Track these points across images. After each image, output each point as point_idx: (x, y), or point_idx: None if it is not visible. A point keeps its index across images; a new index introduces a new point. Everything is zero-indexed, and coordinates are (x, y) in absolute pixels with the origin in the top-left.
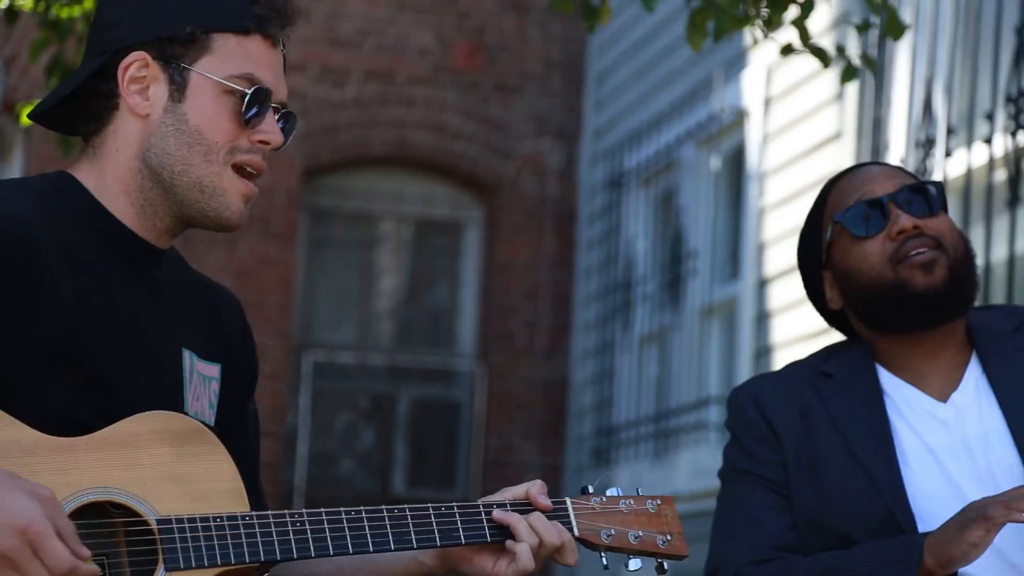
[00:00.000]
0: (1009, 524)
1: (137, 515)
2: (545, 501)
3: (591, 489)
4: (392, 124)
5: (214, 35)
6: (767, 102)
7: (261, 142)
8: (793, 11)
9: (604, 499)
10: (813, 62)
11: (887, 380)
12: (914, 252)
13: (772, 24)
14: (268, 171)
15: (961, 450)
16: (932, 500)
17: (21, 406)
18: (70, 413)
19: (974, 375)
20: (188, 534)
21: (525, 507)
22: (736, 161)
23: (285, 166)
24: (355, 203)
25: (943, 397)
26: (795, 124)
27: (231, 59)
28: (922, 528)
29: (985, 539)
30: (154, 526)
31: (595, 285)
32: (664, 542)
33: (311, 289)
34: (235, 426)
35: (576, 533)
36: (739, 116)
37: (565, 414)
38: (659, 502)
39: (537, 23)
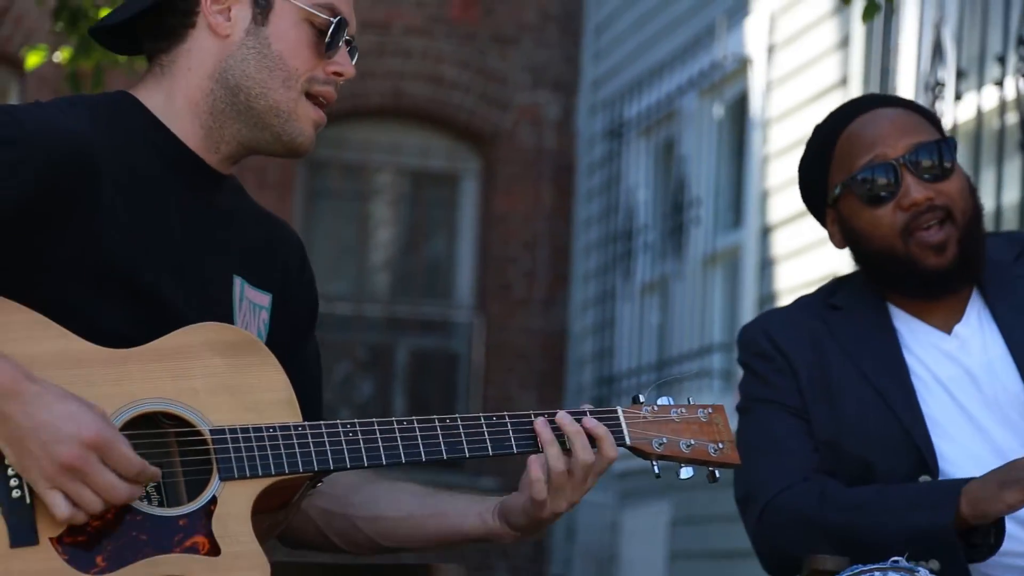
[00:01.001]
0: None
1: (191, 425)
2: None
3: (642, 398)
4: (389, 75)
5: None
6: (771, 49)
7: (335, 73)
8: None
9: (656, 407)
10: (818, 7)
11: (894, 313)
12: (925, 227)
13: None
14: None
15: (967, 380)
16: (946, 425)
17: (76, 321)
18: (120, 329)
19: (976, 306)
20: (242, 444)
21: (579, 414)
22: (739, 109)
23: None
24: (351, 154)
25: (947, 328)
26: (799, 71)
27: None
28: (939, 448)
29: (1022, 503)
30: (208, 436)
31: (595, 235)
32: (716, 450)
33: (308, 240)
34: (294, 356)
35: (628, 441)
36: (742, 64)
37: (564, 364)
38: (711, 411)
39: None
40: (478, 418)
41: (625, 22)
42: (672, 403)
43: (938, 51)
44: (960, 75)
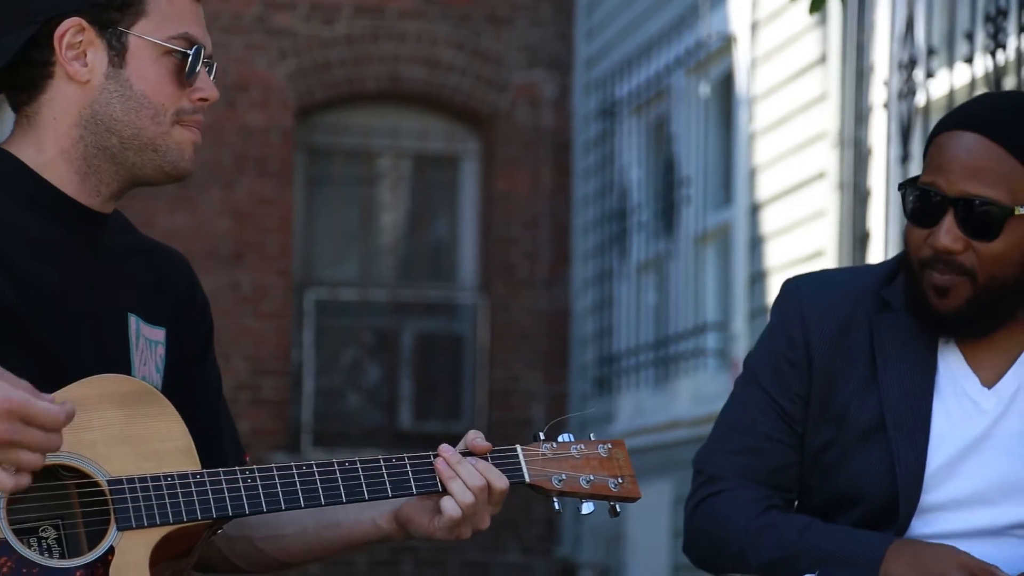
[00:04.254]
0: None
1: (88, 477)
2: (482, 443)
3: (542, 436)
4: (384, 59)
5: None
6: (754, 26)
7: (201, 99)
8: None
9: (555, 445)
10: None
11: (942, 345)
12: (934, 272)
13: None
14: (262, 110)
15: (993, 446)
16: (943, 490)
17: None
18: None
19: None
20: (140, 493)
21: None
22: (725, 87)
23: (279, 105)
24: (351, 140)
25: (991, 380)
26: (781, 48)
27: (166, 20)
28: (917, 523)
29: None
30: (105, 487)
31: (592, 214)
32: (616, 485)
33: (311, 227)
34: (191, 386)
35: (527, 479)
36: (727, 41)
37: (568, 343)
38: (610, 446)
39: None
40: (377, 460)
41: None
42: (572, 440)
43: (910, 29)
44: (931, 52)
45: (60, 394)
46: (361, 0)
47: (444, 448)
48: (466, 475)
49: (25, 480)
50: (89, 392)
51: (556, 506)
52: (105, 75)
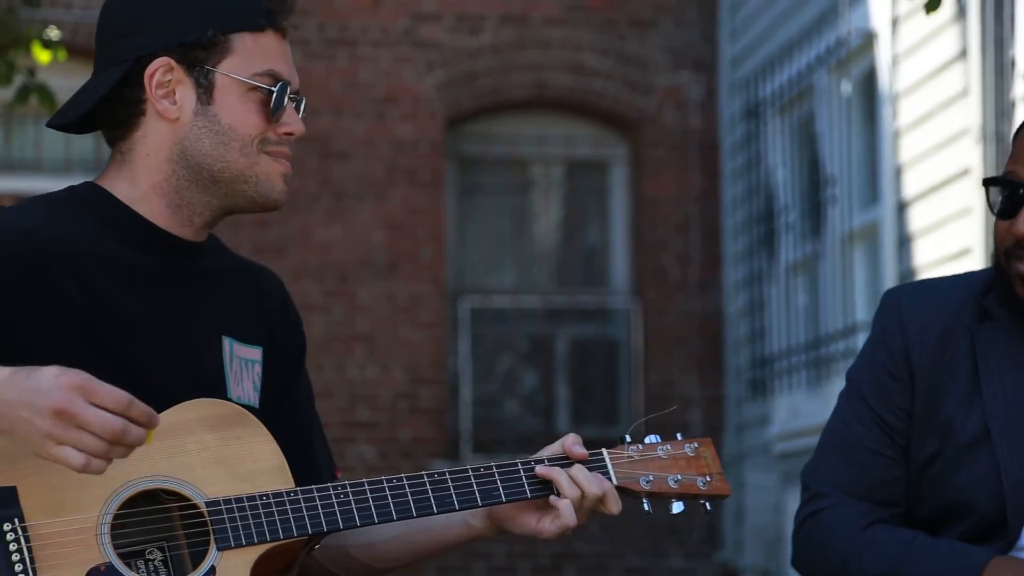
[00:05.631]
0: None
1: (187, 500)
2: (580, 450)
3: (628, 438)
4: (530, 67)
5: (232, 36)
6: (894, 22)
7: (286, 134)
8: None
9: (641, 447)
10: None
11: None
12: (1019, 260)
13: None
14: (412, 122)
15: None
16: None
17: None
18: None
19: None
20: (236, 513)
21: (563, 461)
22: (868, 84)
23: (427, 116)
24: (500, 149)
25: None
26: (922, 44)
27: (251, 58)
28: None
29: None
30: (203, 509)
31: (741, 216)
32: (704, 483)
33: (463, 236)
34: (286, 403)
35: (615, 482)
36: (868, 39)
37: (722, 346)
38: (697, 444)
39: None
40: (466, 470)
41: None
42: (659, 440)
43: None
44: None
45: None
46: (506, 9)
47: (540, 468)
48: (566, 484)
49: (96, 465)
50: (184, 417)
51: (646, 507)
52: (194, 112)
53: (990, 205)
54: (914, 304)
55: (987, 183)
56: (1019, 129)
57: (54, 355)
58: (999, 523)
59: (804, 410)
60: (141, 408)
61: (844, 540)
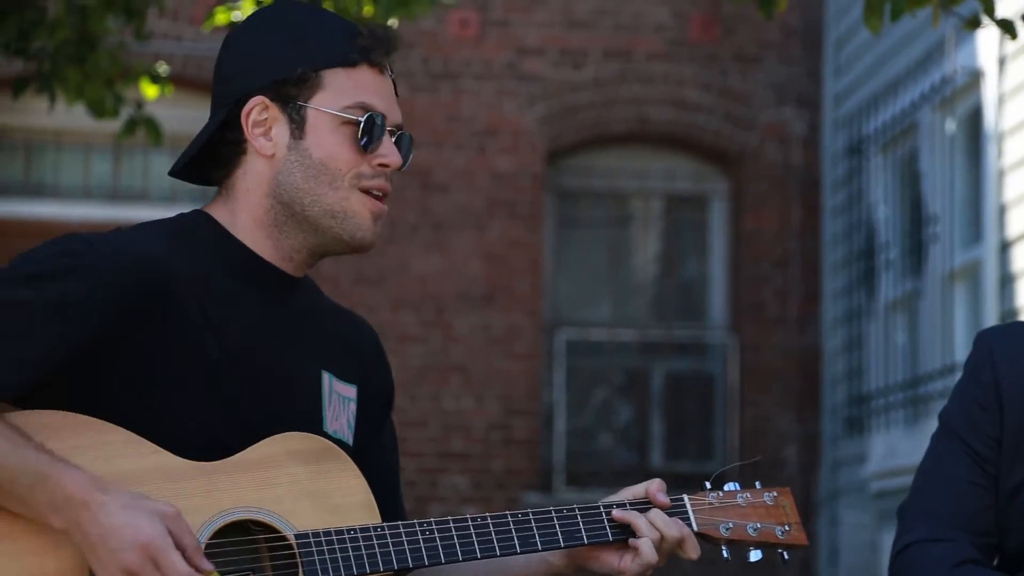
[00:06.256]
0: None
1: (276, 531)
2: (664, 499)
3: (708, 485)
4: (632, 101)
5: (324, 72)
6: (1001, 61)
7: (381, 165)
8: None
9: (721, 494)
10: None
11: None
12: None
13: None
14: (512, 155)
15: None
16: None
17: (171, 429)
18: (214, 435)
19: None
20: (325, 547)
21: (644, 505)
22: (973, 123)
23: (528, 150)
24: (599, 182)
25: None
26: None
27: (343, 92)
28: None
29: None
30: (292, 541)
31: (841, 253)
32: (783, 532)
33: (561, 268)
34: (373, 445)
35: (695, 528)
36: (974, 77)
37: (819, 383)
38: (776, 494)
39: None
40: (549, 511)
41: (863, 35)
42: (739, 488)
43: None
44: None
45: (248, 452)
46: (609, 44)
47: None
48: (645, 527)
49: None
50: (275, 450)
51: (725, 554)
52: (287, 147)
53: None
54: (1005, 341)
55: None
56: None
57: (161, 380)
58: None
59: (901, 449)
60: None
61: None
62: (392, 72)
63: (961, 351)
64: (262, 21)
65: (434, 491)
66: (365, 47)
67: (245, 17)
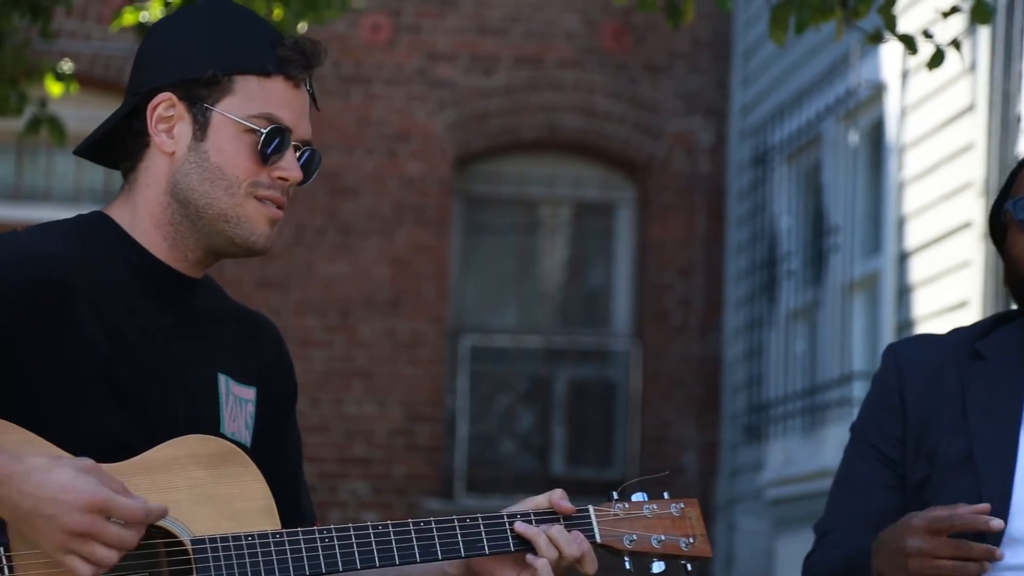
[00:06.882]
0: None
1: (173, 536)
2: (567, 505)
3: (615, 495)
4: (542, 109)
5: (236, 77)
6: (904, 75)
7: (280, 178)
8: None
9: (628, 505)
10: (948, 32)
11: None
12: None
13: (859, 13)
14: (421, 160)
15: None
16: None
17: (72, 430)
18: (116, 435)
19: None
20: (221, 553)
21: (549, 516)
22: (875, 135)
23: (438, 155)
24: (508, 188)
25: None
26: (931, 97)
27: (251, 100)
28: (1006, 545)
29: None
30: (188, 546)
31: (744, 262)
32: (687, 544)
33: (467, 275)
34: (275, 446)
35: (598, 540)
36: (877, 90)
37: (720, 391)
38: (683, 505)
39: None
40: (452, 520)
41: (770, 47)
42: (646, 499)
43: None
44: None
45: (149, 455)
46: (520, 51)
47: (520, 526)
48: (545, 545)
49: (102, 571)
50: (177, 453)
51: (627, 566)
52: (188, 147)
53: (1013, 220)
54: (910, 348)
55: (1011, 204)
56: (1021, 163)
57: (58, 380)
58: (976, 539)
59: (797, 457)
60: (157, 512)
61: (824, 571)
62: (310, 86)
63: (859, 360)
64: (189, 17)
65: (334, 496)
66: (283, 58)
67: (153, 17)
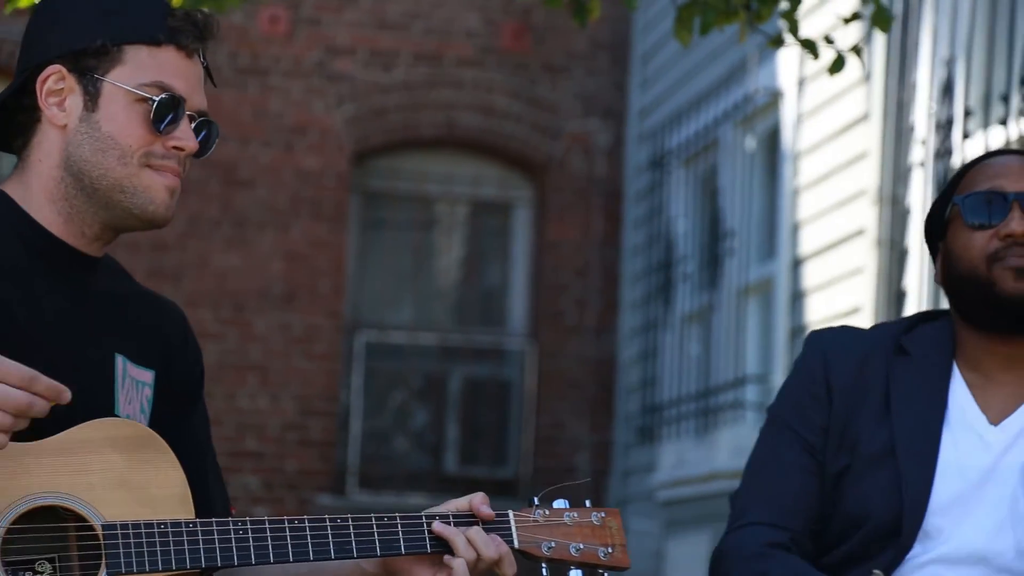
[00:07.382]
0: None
1: (84, 519)
2: (487, 511)
3: (536, 501)
4: (441, 106)
5: (126, 47)
6: (801, 82)
7: (175, 148)
8: (783, 3)
9: (548, 511)
10: (847, 40)
11: (954, 381)
12: (1011, 256)
13: (762, 17)
14: (319, 154)
15: (997, 479)
16: (948, 517)
17: None
18: None
19: None
20: (132, 539)
21: (468, 519)
22: (771, 141)
23: (335, 149)
24: (405, 185)
25: (997, 419)
26: (826, 105)
27: (142, 69)
28: (920, 541)
29: None
30: (99, 531)
31: (640, 264)
32: (605, 554)
33: (363, 270)
34: (178, 430)
35: (516, 545)
36: (774, 97)
37: (614, 392)
38: (604, 514)
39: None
40: (369, 518)
41: (669, 51)
42: (567, 507)
43: (948, 90)
44: (968, 113)
45: (64, 435)
46: (419, 47)
47: (438, 526)
48: (463, 546)
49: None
50: (93, 435)
51: (544, 573)
52: (79, 118)
53: (960, 219)
54: (836, 337)
55: (958, 202)
56: (967, 168)
57: None
58: (894, 532)
59: (690, 459)
60: (46, 383)
61: (737, 563)
62: (204, 59)
63: (752, 364)
64: None
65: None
66: (174, 28)
67: None
